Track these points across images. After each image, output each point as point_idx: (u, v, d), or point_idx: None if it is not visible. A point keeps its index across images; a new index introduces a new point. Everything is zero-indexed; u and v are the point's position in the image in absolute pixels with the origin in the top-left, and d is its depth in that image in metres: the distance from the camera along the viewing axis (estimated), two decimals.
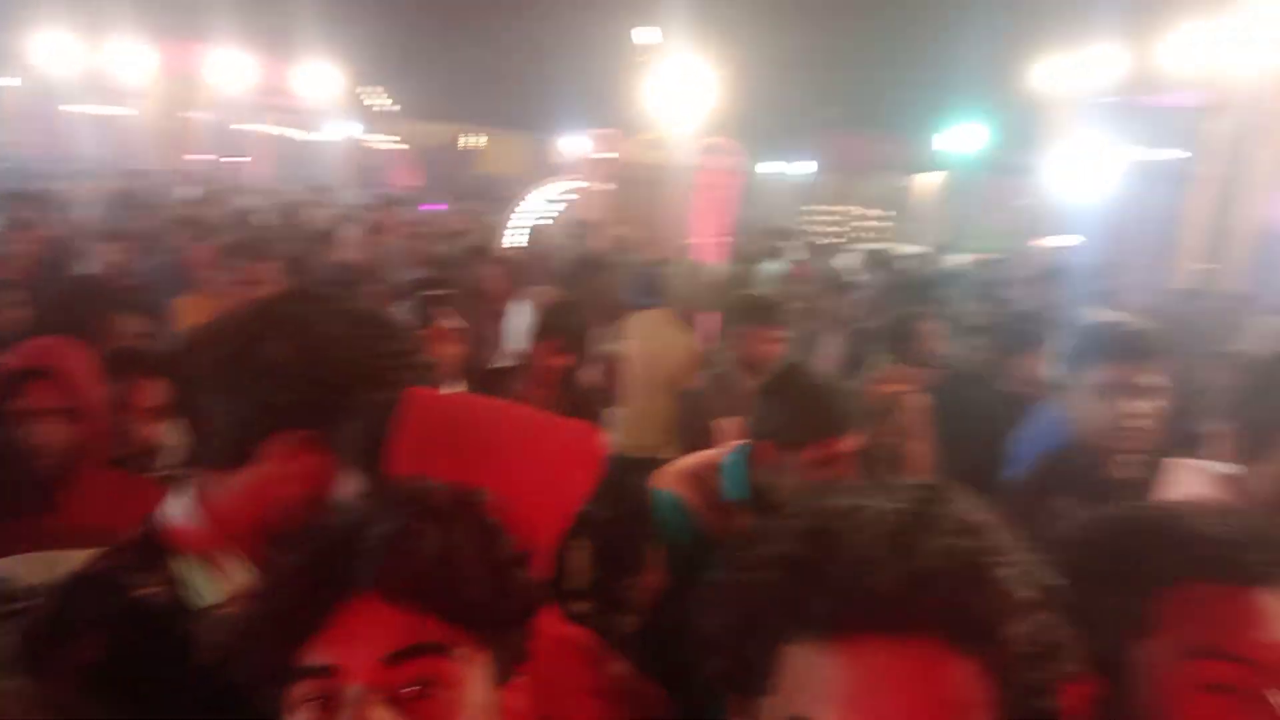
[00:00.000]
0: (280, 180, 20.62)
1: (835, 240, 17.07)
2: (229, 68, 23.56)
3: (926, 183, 23.21)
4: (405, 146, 32.19)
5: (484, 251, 7.02)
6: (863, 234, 21.73)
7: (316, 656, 0.90)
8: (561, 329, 3.67)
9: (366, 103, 30.65)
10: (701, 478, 2.54)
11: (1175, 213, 11.31)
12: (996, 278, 9.56)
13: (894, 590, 0.76)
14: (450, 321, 3.45)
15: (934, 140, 17.46)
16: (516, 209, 16.23)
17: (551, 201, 16.78)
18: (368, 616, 0.90)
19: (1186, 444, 2.38)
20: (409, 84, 29.14)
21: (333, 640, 0.90)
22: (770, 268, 9.30)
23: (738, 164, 15.45)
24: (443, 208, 18.09)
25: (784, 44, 21.51)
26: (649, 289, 5.95)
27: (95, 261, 5.86)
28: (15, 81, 23.93)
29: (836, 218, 24.41)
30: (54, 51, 21.98)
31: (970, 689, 0.77)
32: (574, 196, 16.68)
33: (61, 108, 23.96)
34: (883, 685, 0.76)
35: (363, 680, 0.89)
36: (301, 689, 0.90)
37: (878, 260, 9.61)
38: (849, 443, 2.38)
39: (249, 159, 26.02)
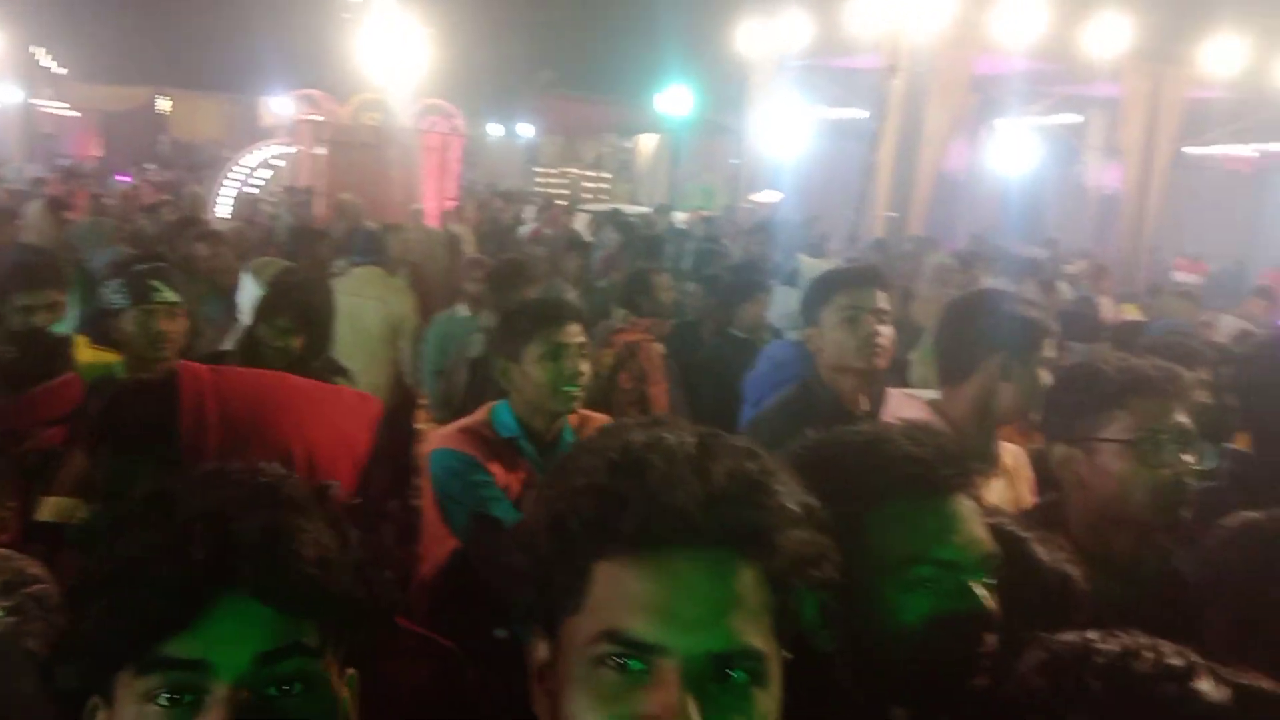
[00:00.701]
0: None
1: (564, 202, 17.27)
2: None
3: (646, 144, 23.98)
4: (77, 114, 28.91)
5: (194, 224, 6.51)
6: (589, 196, 22.11)
7: (182, 650, 0.87)
8: (288, 305, 3.43)
9: (42, 64, 27.20)
10: (472, 429, 2.64)
11: (866, 167, 12.40)
12: (715, 233, 10.13)
13: (693, 507, 0.87)
14: (167, 297, 3.18)
15: (652, 103, 18.00)
16: (222, 177, 15.13)
17: (259, 168, 15.79)
18: (241, 614, 0.89)
19: (897, 372, 2.68)
20: (82, 43, 26.09)
21: (202, 635, 0.88)
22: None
23: (458, 126, 15.25)
24: (127, 179, 16.52)
25: (496, 4, 21.35)
26: (365, 248, 6.00)
27: None
28: None
29: (564, 180, 24.68)
30: None
31: (754, 591, 0.89)
32: (283, 163, 15.79)
33: None
34: (683, 590, 0.87)
35: (233, 679, 0.88)
36: (157, 682, 0.88)
37: (607, 221, 9.87)
38: (572, 332, 2.64)
39: None
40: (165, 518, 0.91)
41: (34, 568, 1.43)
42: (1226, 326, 6.39)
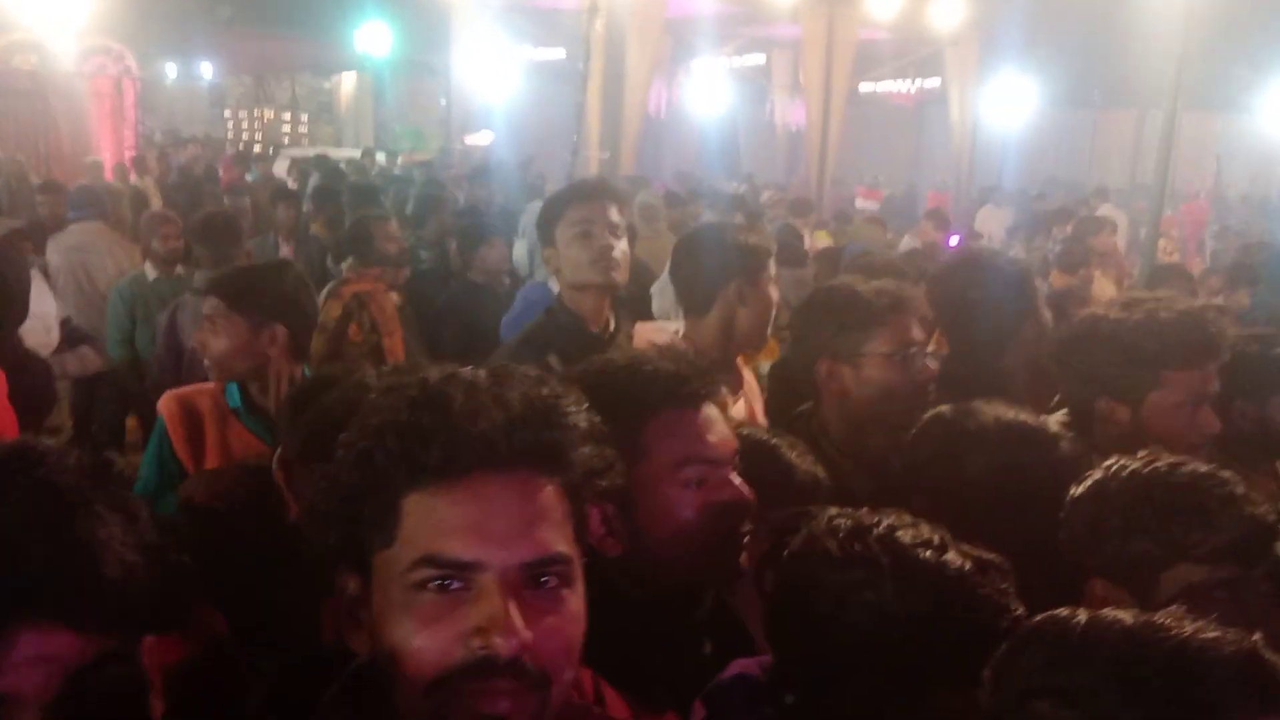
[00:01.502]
0: None
1: (257, 146, 16.17)
2: None
3: (347, 84, 22.78)
4: None
5: None
6: (288, 139, 20.81)
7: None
8: None
9: None
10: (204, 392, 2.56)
11: (576, 107, 12.57)
12: (432, 176, 9.94)
13: (495, 433, 0.93)
14: None
15: (350, 40, 17.05)
16: None
17: None
18: (44, 640, 0.86)
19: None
20: None
21: (4, 667, 0.84)
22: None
23: (130, 69, 13.82)
24: None
25: None
26: (83, 202, 5.77)
27: None
28: None
29: (258, 123, 23.01)
30: None
31: (556, 503, 0.97)
32: None
33: None
34: (493, 510, 0.93)
35: (40, 703, 0.86)
36: None
37: (313, 166, 9.40)
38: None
39: None
40: None
41: None
42: (905, 246, 7.20)
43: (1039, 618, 1.06)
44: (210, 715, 1.38)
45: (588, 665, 1.12)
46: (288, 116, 23.65)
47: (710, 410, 1.43)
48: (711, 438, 1.40)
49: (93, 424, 5.29)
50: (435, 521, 0.93)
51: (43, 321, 3.95)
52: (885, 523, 1.24)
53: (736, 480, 1.41)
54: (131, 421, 5.40)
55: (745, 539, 1.42)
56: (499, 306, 4.17)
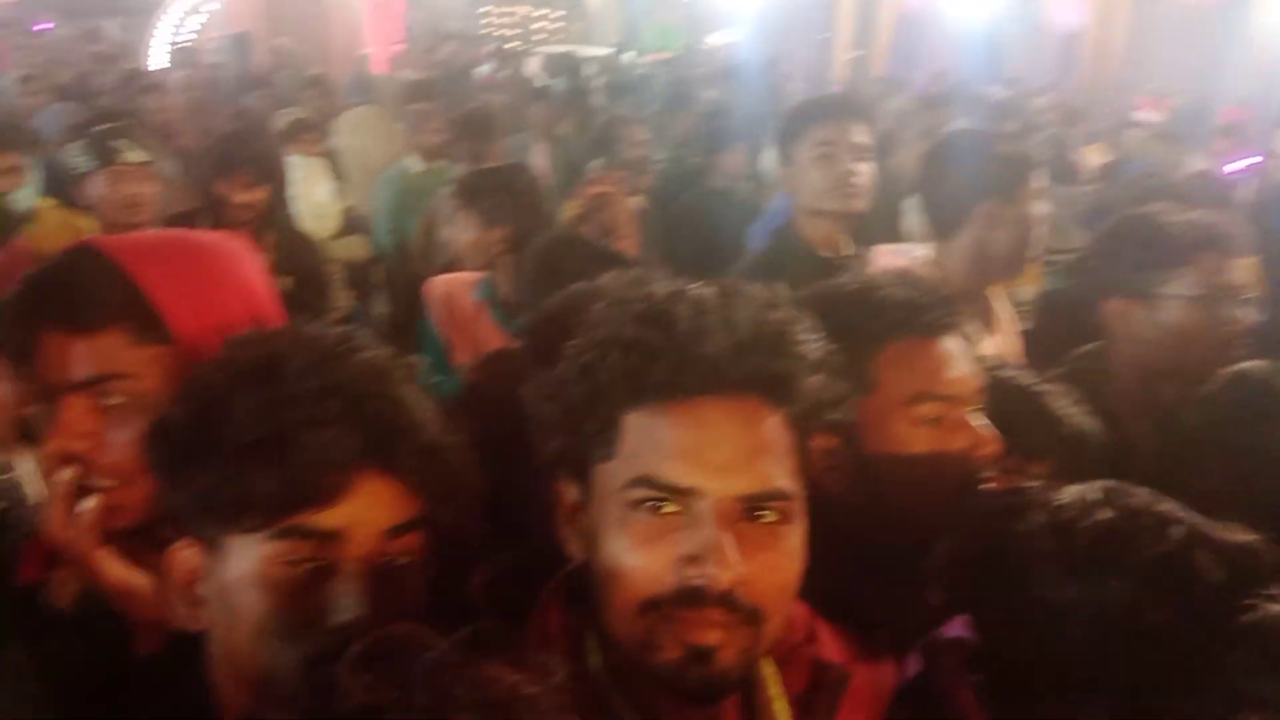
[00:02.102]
0: None
1: (514, 43, 16.58)
2: None
3: None
4: None
5: (140, 76, 6.20)
6: (541, 36, 21.23)
7: (320, 522, 0.90)
8: (245, 158, 3.24)
9: None
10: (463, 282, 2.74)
11: (827, 3, 12.02)
12: (677, 76, 9.83)
13: (721, 356, 0.90)
14: (136, 157, 3.07)
15: None
16: (155, 25, 14.26)
17: (189, 15, 14.90)
18: (371, 489, 0.92)
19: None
20: None
21: (339, 510, 0.91)
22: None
23: None
24: (48, 26, 15.46)
25: None
26: (359, 88, 6.43)
27: None
28: None
29: (513, 19, 23.58)
30: None
31: (780, 435, 0.94)
32: (217, 5, 14.91)
33: None
34: (714, 436, 0.91)
35: (364, 551, 0.92)
36: (288, 549, 0.90)
37: (563, 65, 9.53)
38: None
39: None
40: (286, 390, 0.91)
41: None
42: (1190, 167, 6.43)
43: (1258, 613, 0.89)
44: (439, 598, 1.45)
45: (805, 601, 1.08)
46: (542, 13, 24.06)
47: (950, 342, 1.32)
48: (950, 373, 1.30)
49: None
50: (655, 442, 0.92)
51: (316, 209, 4.28)
52: (1125, 515, 1.01)
53: (979, 423, 1.30)
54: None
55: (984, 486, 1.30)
56: (739, 214, 4.09)
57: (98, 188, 3.00)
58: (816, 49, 11.65)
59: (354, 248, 4.60)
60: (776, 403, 0.94)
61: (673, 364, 0.90)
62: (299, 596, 0.90)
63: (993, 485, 1.32)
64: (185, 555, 0.97)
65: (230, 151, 3.29)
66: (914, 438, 1.28)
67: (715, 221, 4.25)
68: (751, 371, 0.92)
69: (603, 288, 1.44)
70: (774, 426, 0.94)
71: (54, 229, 3.29)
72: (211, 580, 0.95)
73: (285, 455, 0.88)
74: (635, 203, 4.50)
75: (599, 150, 4.71)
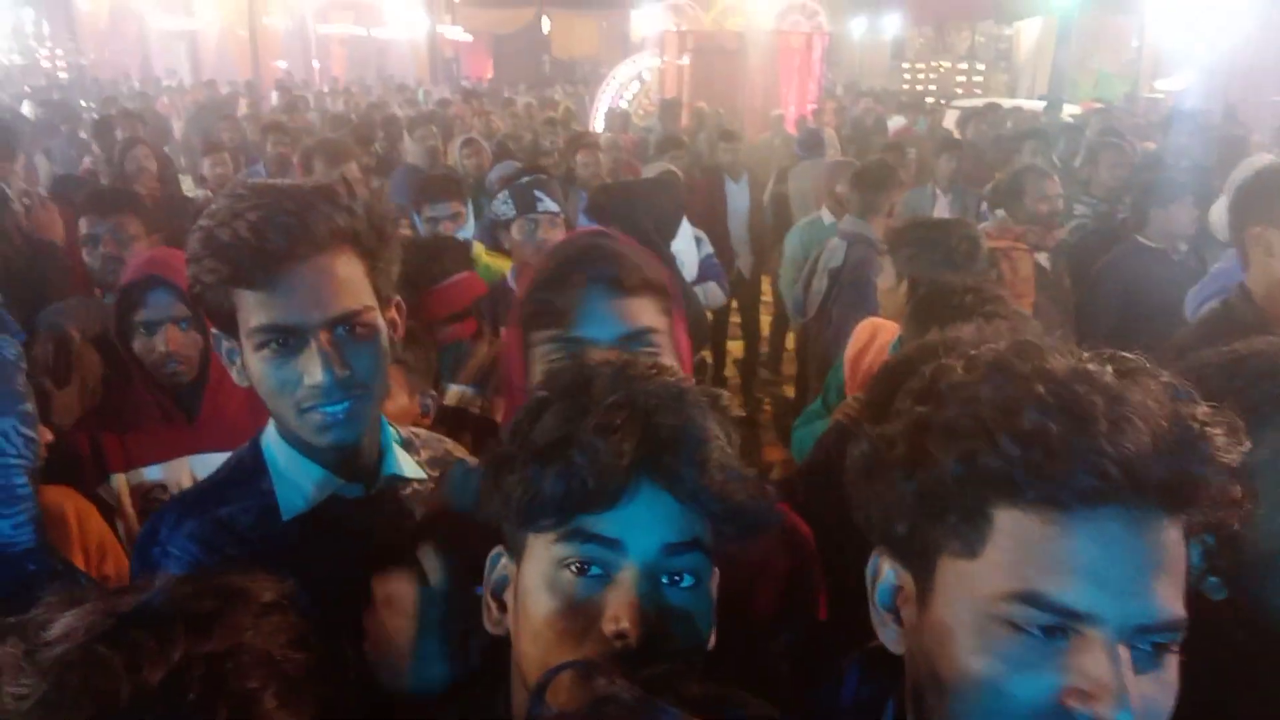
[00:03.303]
0: (357, 80, 20.53)
1: (933, 98, 16.26)
2: None
3: (1029, 30, 21.73)
4: (471, 37, 31.65)
5: (581, 138, 6.87)
6: (961, 90, 20.65)
7: (604, 527, 0.92)
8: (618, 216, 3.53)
9: None
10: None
11: None
12: (1109, 125, 8.98)
13: (1138, 459, 0.76)
14: (549, 207, 3.34)
15: None
16: (597, 92, 15.88)
17: (629, 82, 16.37)
18: (654, 503, 0.93)
19: None
20: None
21: (622, 517, 0.92)
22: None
23: (820, 24, 14.78)
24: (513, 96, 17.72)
25: None
26: (806, 143, 7.04)
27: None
28: (97, 1, 24.23)
29: (933, 75, 23.23)
30: None
31: (1178, 550, 0.81)
32: (650, 76, 16.25)
33: (143, 24, 24.24)
34: (1116, 553, 0.78)
35: (641, 561, 0.92)
36: (572, 551, 0.93)
37: (982, 116, 9.10)
38: None
39: (325, 63, 26.02)
40: (588, 403, 0.94)
41: (459, 451, 1.55)
42: None
43: None
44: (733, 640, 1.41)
45: None
46: (964, 67, 23.42)
47: None
48: None
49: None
50: (1044, 553, 0.79)
51: (680, 256, 4.46)
52: None
53: None
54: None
55: None
56: (1174, 275, 3.57)
57: (517, 232, 3.30)
58: None
59: (711, 295, 4.72)
60: (1177, 512, 0.80)
61: (1083, 464, 0.76)
62: (578, 606, 0.92)
63: None
64: (499, 561, 1.04)
65: (603, 202, 3.56)
66: None
67: (1143, 284, 3.74)
68: (1162, 478, 0.77)
69: (959, 340, 1.27)
70: (1174, 540, 0.80)
71: (480, 268, 3.69)
72: (514, 585, 0.99)
73: (567, 458, 0.91)
74: (1034, 261, 4.13)
75: (1002, 202, 4.38)
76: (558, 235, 3.31)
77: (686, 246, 4.58)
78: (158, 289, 2.14)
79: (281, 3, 24.49)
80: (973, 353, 0.88)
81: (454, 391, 2.58)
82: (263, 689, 0.76)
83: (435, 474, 1.43)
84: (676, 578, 0.94)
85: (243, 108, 12.32)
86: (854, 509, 0.93)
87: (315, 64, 25.71)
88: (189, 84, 18.67)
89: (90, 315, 2.60)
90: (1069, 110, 12.10)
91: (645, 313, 1.29)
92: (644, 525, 0.92)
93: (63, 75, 22.79)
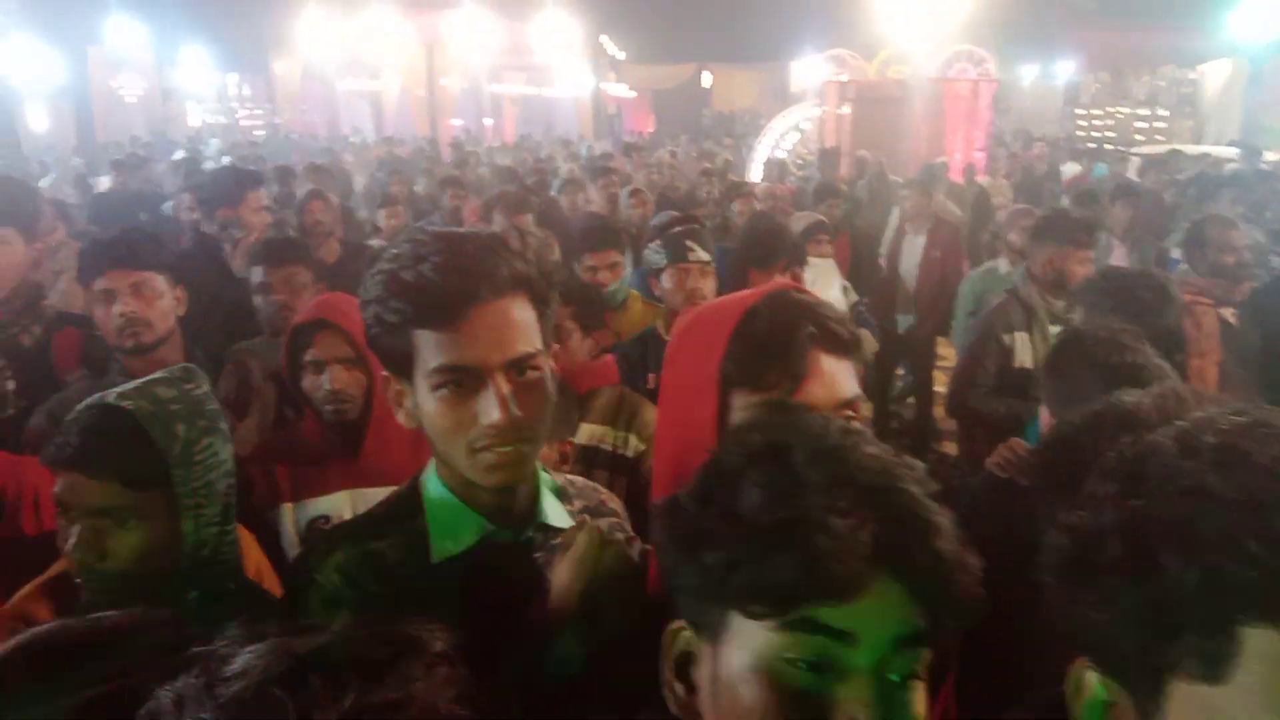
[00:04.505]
0: (526, 136, 21.40)
1: (1110, 145, 15.53)
2: (474, 32, 24.50)
3: (1217, 75, 20.49)
4: (634, 93, 32.51)
5: (738, 188, 6.94)
6: (1141, 137, 19.65)
7: (837, 619, 0.84)
8: (782, 249, 3.62)
9: (607, 51, 31.11)
10: None
11: None
12: None
13: None
14: (700, 256, 3.36)
15: (1223, 25, 15.28)
16: (755, 143, 15.98)
17: (788, 132, 16.39)
18: (886, 595, 0.85)
19: None
20: (638, 27, 29.21)
21: (855, 609, 0.84)
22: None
23: (988, 71, 14.43)
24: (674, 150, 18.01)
25: None
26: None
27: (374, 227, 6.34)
28: (289, 65, 26.31)
29: (1110, 121, 22.21)
30: (319, 32, 23.75)
31: None
32: (809, 125, 16.22)
33: (330, 86, 26.13)
34: None
35: (873, 658, 0.85)
36: (794, 643, 0.85)
37: (1163, 165, 8.63)
38: None
39: (496, 120, 27.28)
40: (798, 476, 0.86)
41: (613, 501, 1.56)
42: None
43: None
44: None
45: None
46: (1144, 112, 22.30)
47: None
48: None
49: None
50: None
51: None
52: None
53: None
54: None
55: None
56: None
57: (667, 281, 3.33)
58: None
59: (864, 344, 4.64)
60: None
61: None
62: (802, 700, 0.84)
63: None
64: (682, 637, 0.96)
65: (773, 243, 3.63)
66: None
67: None
68: None
69: (1140, 408, 1.17)
70: None
71: (636, 317, 3.72)
72: (707, 666, 0.92)
73: (804, 542, 0.82)
74: (1220, 316, 3.85)
75: (1186, 254, 4.12)
76: (709, 285, 3.32)
77: (835, 296, 4.52)
78: (326, 330, 2.28)
79: (459, 65, 25.85)
80: (1183, 427, 0.76)
81: (586, 429, 2.62)
82: None
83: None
84: (905, 674, 0.86)
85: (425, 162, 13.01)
86: (1055, 614, 0.80)
87: (487, 121, 26.96)
88: (371, 141, 19.91)
89: (271, 353, 2.76)
90: (1268, 157, 11.31)
91: (854, 377, 1.23)
92: (877, 617, 0.84)
93: (258, 133, 24.80)
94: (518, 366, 1.26)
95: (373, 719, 0.70)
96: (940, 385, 6.93)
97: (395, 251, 1.26)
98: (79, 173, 10.19)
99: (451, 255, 1.22)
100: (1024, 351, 3.74)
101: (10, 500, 2.10)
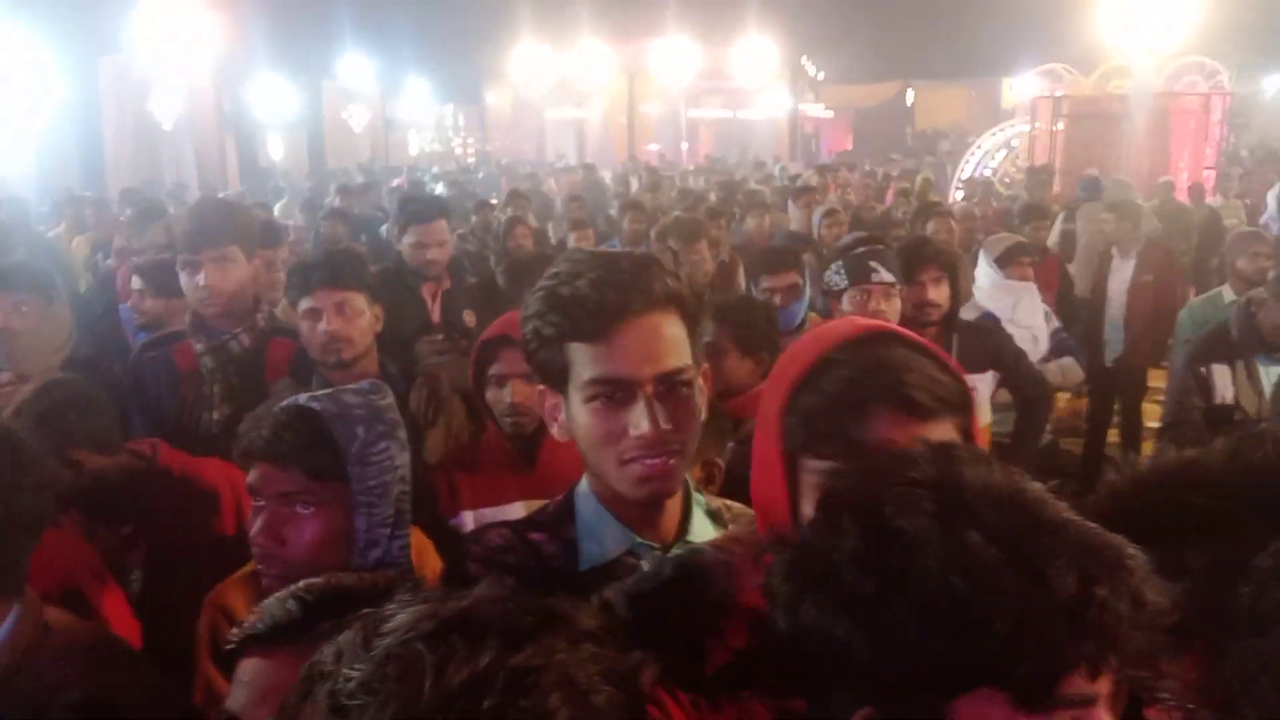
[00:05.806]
0: (717, 160, 21.55)
1: None
2: (675, 59, 24.93)
3: None
4: (831, 113, 32.11)
5: (932, 208, 6.73)
6: None
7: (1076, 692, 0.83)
8: (931, 256, 3.56)
9: (807, 73, 30.97)
10: None
11: None
12: None
13: None
14: (883, 278, 3.27)
15: None
16: (959, 162, 15.43)
17: (995, 150, 15.74)
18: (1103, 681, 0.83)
19: None
20: (839, 48, 28.88)
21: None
22: None
23: (1221, 84, 13.36)
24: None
25: None
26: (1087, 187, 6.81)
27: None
28: (500, 95, 27.77)
29: None
30: (530, 64, 24.89)
31: None
32: (1017, 143, 15.51)
33: (538, 114, 27.35)
34: None
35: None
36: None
37: None
38: None
39: (693, 144, 27.68)
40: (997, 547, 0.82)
41: None
42: None
43: None
44: None
45: None
46: None
47: None
48: None
49: None
50: None
51: (1030, 331, 4.17)
52: None
53: None
54: None
55: None
56: None
57: (847, 303, 3.27)
58: None
59: (1068, 372, 4.38)
60: None
61: None
62: None
63: None
64: None
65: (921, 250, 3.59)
66: None
67: None
68: None
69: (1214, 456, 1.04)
70: None
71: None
72: None
73: (1034, 629, 0.79)
74: None
75: None
76: (892, 308, 3.23)
77: (1037, 322, 4.30)
78: (510, 346, 2.38)
79: (658, 92, 26.43)
80: None
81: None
82: (559, 710, 0.74)
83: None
84: None
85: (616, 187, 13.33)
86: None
87: (684, 145, 27.40)
88: (574, 165, 20.65)
89: (460, 368, 2.91)
90: None
91: (942, 438, 1.08)
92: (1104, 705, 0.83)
93: (470, 160, 26.24)
94: (667, 381, 1.28)
95: (507, 680, 0.73)
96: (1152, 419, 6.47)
97: (554, 270, 1.31)
98: (306, 197, 11.07)
99: (605, 271, 1.26)
100: (1224, 385, 3.44)
101: (225, 503, 2.30)
